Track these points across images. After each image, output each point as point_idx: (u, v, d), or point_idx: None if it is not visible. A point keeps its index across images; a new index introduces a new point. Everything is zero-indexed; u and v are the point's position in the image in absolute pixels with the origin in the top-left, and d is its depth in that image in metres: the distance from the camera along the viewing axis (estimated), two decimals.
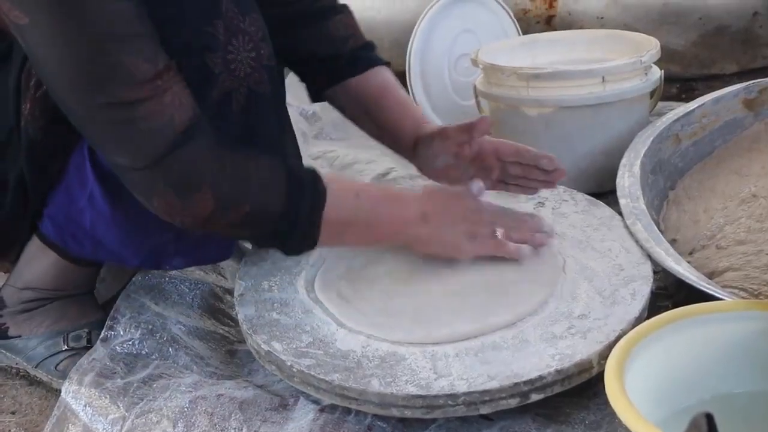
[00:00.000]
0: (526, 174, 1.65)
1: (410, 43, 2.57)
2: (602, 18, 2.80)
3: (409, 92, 2.58)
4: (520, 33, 2.63)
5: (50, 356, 1.63)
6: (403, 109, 1.72)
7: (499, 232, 1.55)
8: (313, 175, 1.41)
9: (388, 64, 1.75)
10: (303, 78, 1.78)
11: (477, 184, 1.57)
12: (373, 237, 1.51)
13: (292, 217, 1.38)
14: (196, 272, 1.79)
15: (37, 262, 1.62)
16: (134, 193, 1.34)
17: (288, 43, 1.68)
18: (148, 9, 1.28)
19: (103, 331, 1.57)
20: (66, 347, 1.63)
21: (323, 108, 2.55)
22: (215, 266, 1.83)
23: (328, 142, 2.57)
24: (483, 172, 1.66)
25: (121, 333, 1.57)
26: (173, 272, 1.73)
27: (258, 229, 1.40)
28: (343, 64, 1.71)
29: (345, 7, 1.74)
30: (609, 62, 2.07)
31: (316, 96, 1.78)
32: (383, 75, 1.73)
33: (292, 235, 1.40)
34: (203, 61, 1.37)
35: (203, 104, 1.35)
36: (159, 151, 1.27)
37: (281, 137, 1.57)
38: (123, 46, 1.24)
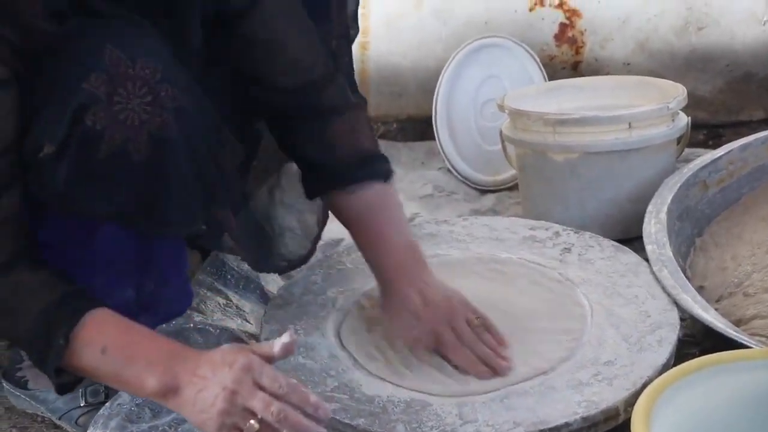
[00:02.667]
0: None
1: (437, 88, 2.58)
2: (629, 64, 2.80)
3: (435, 137, 2.59)
4: (547, 79, 2.63)
5: (69, 410, 1.63)
6: (375, 246, 1.59)
7: (256, 425, 1.23)
8: (64, 323, 1.30)
9: (387, 176, 1.61)
10: (300, 172, 1.68)
11: (282, 342, 1.29)
12: (127, 391, 1.41)
13: (36, 359, 1.34)
14: (219, 317, 1.79)
15: None
16: None
17: (285, 139, 1.65)
18: (28, 67, 1.30)
19: None
20: (84, 402, 1.62)
21: None
22: (239, 311, 1.83)
23: None
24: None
25: None
26: (197, 318, 1.73)
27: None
28: (330, 176, 1.60)
29: (356, 106, 1.63)
30: (636, 108, 2.07)
31: (309, 195, 1.67)
32: (366, 196, 1.59)
33: (44, 370, 1.35)
34: (82, 119, 1.30)
35: (91, 166, 1.32)
36: None
37: (198, 183, 1.46)
38: None
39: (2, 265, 1.32)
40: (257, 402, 1.22)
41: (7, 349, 1.78)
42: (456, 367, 1.48)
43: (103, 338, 1.31)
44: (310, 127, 1.60)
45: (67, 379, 1.36)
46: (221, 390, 1.23)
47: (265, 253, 1.76)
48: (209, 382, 1.24)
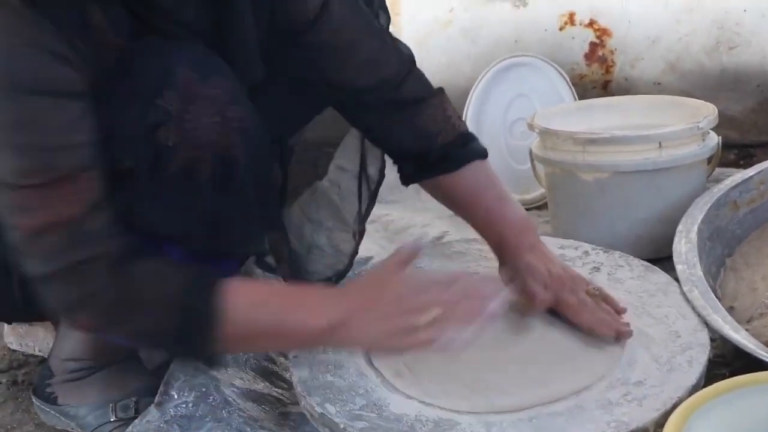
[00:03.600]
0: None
1: (466, 107, 2.59)
2: (659, 84, 2.80)
3: None
4: (576, 98, 2.63)
5: (100, 426, 1.63)
6: (492, 222, 1.63)
7: (441, 312, 1.32)
8: (209, 292, 1.31)
9: (485, 153, 1.67)
10: (393, 162, 1.73)
11: (408, 248, 1.40)
12: (285, 346, 1.43)
13: (187, 337, 1.32)
14: None
15: (73, 334, 1.63)
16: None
17: (374, 132, 1.69)
18: (98, 90, 1.29)
19: (157, 395, 1.57)
20: (114, 417, 1.63)
21: None
22: None
23: (382, 206, 2.58)
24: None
25: (175, 396, 1.57)
26: None
27: (152, 345, 1.38)
28: (431, 162, 1.65)
29: (437, 92, 1.68)
30: (666, 128, 2.06)
31: (405, 182, 1.72)
32: (474, 174, 1.65)
33: (193, 350, 1.38)
34: (154, 136, 1.32)
35: (160, 182, 1.34)
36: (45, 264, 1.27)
37: (265, 201, 1.49)
38: (41, 147, 1.24)
39: (124, 256, 1.30)
40: (432, 298, 1.32)
41: (39, 365, 1.79)
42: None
43: (253, 294, 1.35)
44: (401, 119, 1.64)
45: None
46: (394, 297, 1.33)
47: (296, 270, 1.76)
48: (375, 302, 1.33)
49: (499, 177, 1.68)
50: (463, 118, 2.56)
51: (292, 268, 1.73)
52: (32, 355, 1.93)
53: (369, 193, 1.85)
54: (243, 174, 1.41)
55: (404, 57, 1.67)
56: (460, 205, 1.68)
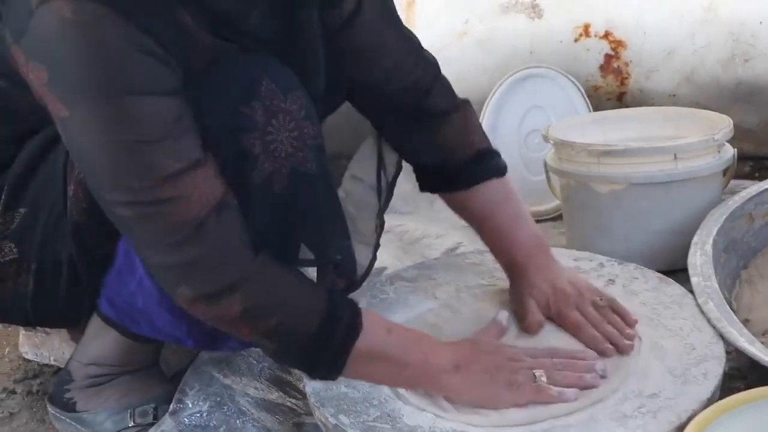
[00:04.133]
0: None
1: (481, 118, 2.58)
2: (674, 96, 2.79)
3: None
4: (591, 109, 2.63)
5: (117, 431, 1.64)
6: (503, 240, 1.67)
7: (542, 376, 1.43)
8: (352, 306, 1.40)
9: (503, 171, 1.69)
10: (413, 169, 1.75)
11: (502, 316, 1.58)
12: (403, 377, 1.45)
13: (322, 342, 1.37)
14: None
15: (100, 339, 1.63)
16: (160, 285, 1.37)
17: (394, 140, 1.71)
18: (187, 92, 1.32)
19: (171, 404, 1.57)
20: (132, 423, 1.63)
21: None
22: None
23: (397, 216, 2.58)
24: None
25: (190, 405, 1.58)
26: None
27: (284, 345, 1.38)
28: (449, 177, 1.67)
29: (462, 105, 1.69)
30: (681, 139, 2.06)
31: (422, 190, 1.74)
32: (488, 192, 1.67)
33: (318, 360, 1.38)
34: (240, 143, 1.36)
35: (245, 187, 1.36)
36: (185, 250, 1.30)
37: (330, 217, 1.51)
38: (154, 147, 1.27)
39: (264, 260, 1.35)
40: (538, 362, 1.44)
41: (54, 374, 1.80)
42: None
43: (381, 321, 1.44)
44: (421, 131, 1.66)
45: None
46: (506, 360, 1.44)
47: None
48: (492, 357, 1.45)
49: (516, 190, 1.69)
50: None
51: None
52: (47, 365, 1.94)
53: (386, 185, 1.85)
54: (316, 188, 1.44)
55: (431, 64, 1.68)
56: (472, 222, 1.71)
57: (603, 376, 1.46)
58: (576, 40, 2.82)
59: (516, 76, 2.63)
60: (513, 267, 1.66)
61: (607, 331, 1.55)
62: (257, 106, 1.36)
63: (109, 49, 1.24)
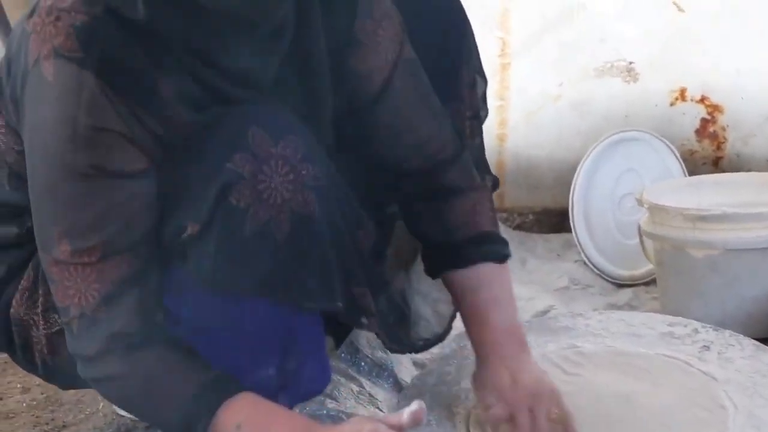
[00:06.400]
0: None
1: (574, 181, 2.58)
2: None
3: (572, 230, 2.58)
4: (687, 174, 2.61)
5: None
6: (476, 324, 1.59)
7: None
8: (202, 414, 1.33)
9: (500, 257, 1.61)
10: (421, 249, 1.71)
11: (411, 411, 1.31)
12: None
13: None
14: (352, 404, 1.79)
15: None
16: None
17: (405, 213, 1.68)
18: (170, 153, 1.36)
19: None
20: None
21: None
22: (372, 399, 1.82)
23: None
24: None
25: None
26: (330, 404, 1.73)
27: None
28: (444, 256, 1.62)
29: (479, 186, 1.65)
30: None
31: (426, 272, 1.69)
32: (476, 274, 1.60)
33: None
34: (226, 200, 1.34)
35: (236, 244, 1.36)
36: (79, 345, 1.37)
37: (339, 263, 1.47)
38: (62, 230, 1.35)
39: (137, 344, 1.36)
40: None
41: (146, 430, 1.82)
42: None
43: (240, 416, 1.34)
44: (429, 207, 1.63)
45: None
46: None
47: (401, 335, 1.76)
48: None
49: (509, 279, 1.63)
50: (572, 193, 2.57)
51: (386, 329, 1.71)
52: (140, 421, 1.96)
53: None
54: (319, 230, 1.41)
55: (456, 143, 1.64)
56: (457, 301, 1.65)
57: None
58: (672, 104, 2.81)
59: (610, 139, 2.62)
60: (481, 351, 1.58)
61: None
62: (245, 157, 1.35)
63: (77, 125, 1.30)
